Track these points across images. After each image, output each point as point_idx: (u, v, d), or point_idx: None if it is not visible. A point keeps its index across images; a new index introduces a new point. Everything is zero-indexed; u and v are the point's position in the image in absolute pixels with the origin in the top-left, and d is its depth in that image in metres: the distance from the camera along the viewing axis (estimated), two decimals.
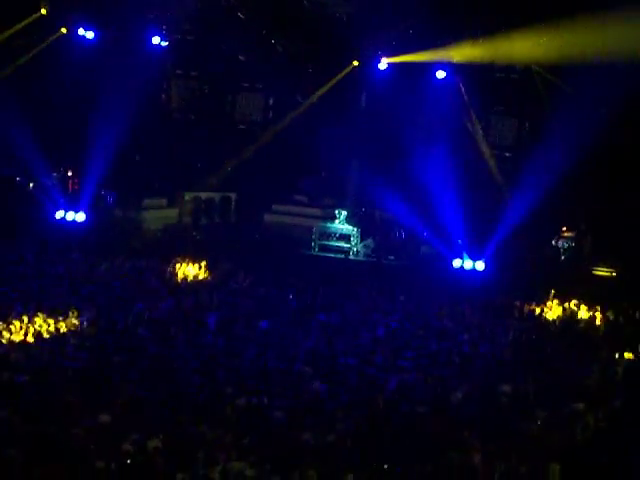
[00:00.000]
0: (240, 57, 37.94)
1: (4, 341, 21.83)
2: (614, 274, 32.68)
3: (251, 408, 19.01)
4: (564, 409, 20.02)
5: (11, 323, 22.70)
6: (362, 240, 34.74)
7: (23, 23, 35.84)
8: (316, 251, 34.60)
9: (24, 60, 36.27)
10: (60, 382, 19.36)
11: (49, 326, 23.25)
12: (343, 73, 36.52)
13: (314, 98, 37.69)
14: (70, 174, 37.03)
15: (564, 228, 35.16)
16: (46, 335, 22.71)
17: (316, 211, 36.83)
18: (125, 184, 36.22)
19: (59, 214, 34.51)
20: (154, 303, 26.42)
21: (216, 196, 38.38)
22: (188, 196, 37.71)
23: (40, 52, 36.42)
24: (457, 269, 32.22)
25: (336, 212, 35.20)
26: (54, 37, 36.90)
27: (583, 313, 28.29)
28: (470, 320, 27.47)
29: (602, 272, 33.08)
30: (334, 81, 36.76)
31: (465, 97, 35.29)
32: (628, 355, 24.00)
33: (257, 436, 17.58)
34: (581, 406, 20.16)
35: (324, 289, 29.17)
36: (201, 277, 30.33)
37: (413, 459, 16.88)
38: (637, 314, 27.76)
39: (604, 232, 32.62)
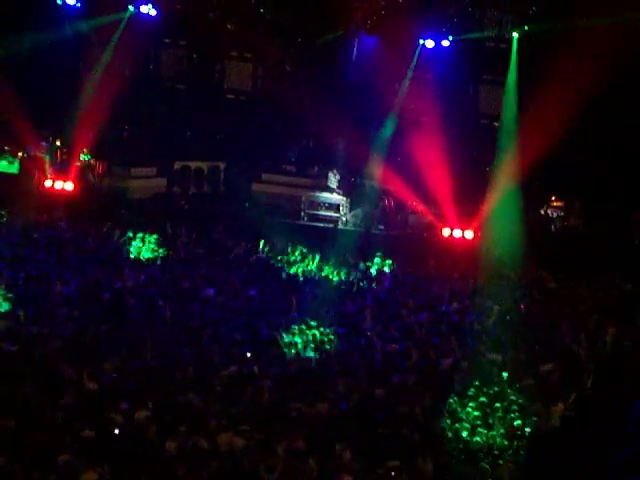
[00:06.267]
0: (228, 26, 37.68)
1: None
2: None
3: (241, 377, 19.04)
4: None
5: None
6: (351, 210, 34.63)
7: None
8: (305, 220, 34.49)
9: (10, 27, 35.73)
10: (48, 351, 19.34)
11: None
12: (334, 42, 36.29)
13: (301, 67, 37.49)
14: (59, 143, 36.77)
15: (553, 197, 35.14)
16: None
17: (305, 181, 36.68)
18: (113, 153, 35.99)
19: (47, 183, 34.31)
20: (142, 272, 26.41)
21: (205, 165, 38.17)
22: (177, 165, 37.50)
23: (26, 19, 35.89)
24: (446, 238, 32.17)
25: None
26: (40, 3, 36.36)
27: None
28: (459, 289, 27.51)
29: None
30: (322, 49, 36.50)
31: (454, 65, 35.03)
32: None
33: (247, 405, 17.61)
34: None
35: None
36: None
37: (402, 428, 16.95)
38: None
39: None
